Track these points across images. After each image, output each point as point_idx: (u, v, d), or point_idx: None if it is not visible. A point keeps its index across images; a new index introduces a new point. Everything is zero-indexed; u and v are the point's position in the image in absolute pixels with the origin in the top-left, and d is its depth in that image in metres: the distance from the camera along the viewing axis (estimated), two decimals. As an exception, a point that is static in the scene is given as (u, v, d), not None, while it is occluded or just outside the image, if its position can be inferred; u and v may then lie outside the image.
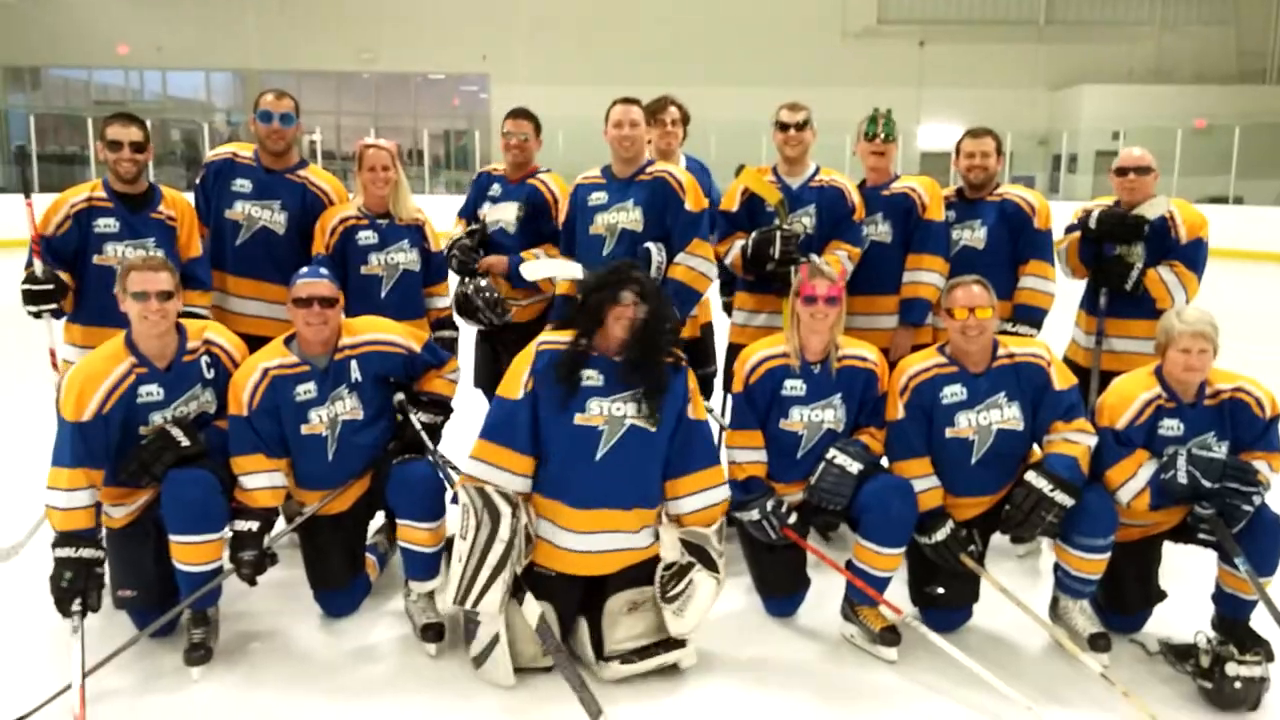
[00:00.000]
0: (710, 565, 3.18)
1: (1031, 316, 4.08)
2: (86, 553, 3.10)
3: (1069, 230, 4.22)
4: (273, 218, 3.98)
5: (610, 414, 3.12)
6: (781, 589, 3.58)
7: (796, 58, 23.49)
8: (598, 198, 3.95)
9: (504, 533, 3.02)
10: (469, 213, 4.56)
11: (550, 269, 3.95)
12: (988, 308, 3.29)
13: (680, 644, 3.17)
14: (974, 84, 23.98)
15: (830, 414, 3.44)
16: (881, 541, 3.29)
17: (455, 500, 3.15)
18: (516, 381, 3.16)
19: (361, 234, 3.96)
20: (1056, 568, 3.36)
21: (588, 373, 3.13)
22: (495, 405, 3.23)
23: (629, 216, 3.89)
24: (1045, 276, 4.10)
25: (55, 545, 3.11)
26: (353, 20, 24.41)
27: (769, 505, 3.39)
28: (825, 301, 3.37)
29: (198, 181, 4.10)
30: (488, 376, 4.41)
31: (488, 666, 3.09)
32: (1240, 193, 20.32)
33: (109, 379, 3.18)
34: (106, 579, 3.25)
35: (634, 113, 3.92)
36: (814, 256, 3.89)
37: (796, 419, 3.45)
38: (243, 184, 3.98)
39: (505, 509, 3.04)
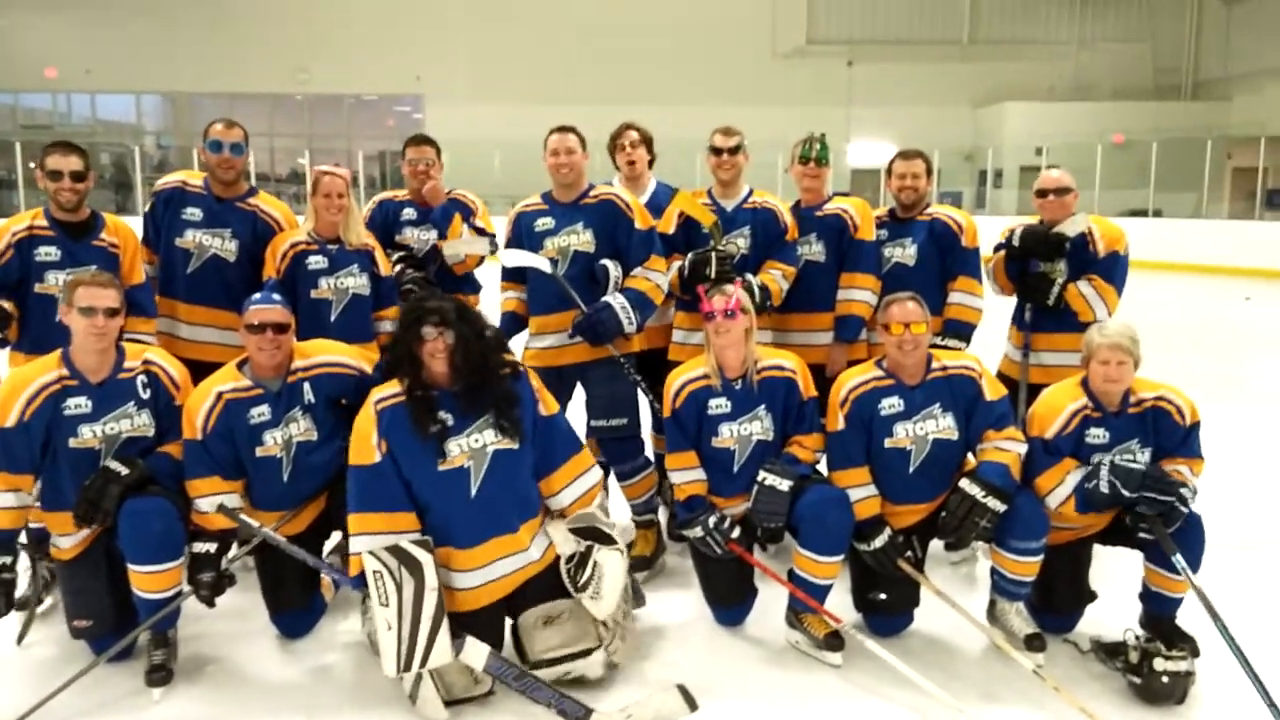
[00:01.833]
0: (607, 540, 3.26)
1: (960, 331, 4.21)
2: None
3: (996, 249, 4.37)
4: (224, 246, 4.01)
5: (471, 448, 3.17)
6: (729, 599, 3.67)
7: (728, 77, 23.82)
8: (544, 223, 4.06)
9: (431, 580, 3.00)
10: (380, 241, 4.44)
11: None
12: (922, 323, 3.43)
13: (587, 653, 3.18)
14: (901, 102, 24.46)
15: (757, 425, 3.55)
16: (819, 550, 3.40)
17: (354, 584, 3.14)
18: (368, 446, 3.15)
19: (311, 259, 3.99)
20: (992, 571, 3.50)
21: (441, 414, 3.16)
22: (354, 475, 3.18)
23: (580, 239, 4.01)
24: (973, 292, 4.24)
25: None
26: (284, 41, 24.23)
27: (710, 522, 3.49)
28: (724, 315, 3.49)
29: (147, 209, 4.11)
30: None
31: (419, 704, 3.06)
32: (1159, 206, 20.97)
33: (31, 386, 3.21)
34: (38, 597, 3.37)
35: (569, 140, 4.05)
36: (749, 276, 4.03)
37: (726, 435, 3.56)
38: (193, 212, 4.00)
39: (424, 555, 3.02)
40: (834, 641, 3.38)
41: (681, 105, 18.92)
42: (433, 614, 2.98)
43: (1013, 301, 4.42)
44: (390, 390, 3.22)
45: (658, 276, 4.04)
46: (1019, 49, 25.51)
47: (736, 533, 3.52)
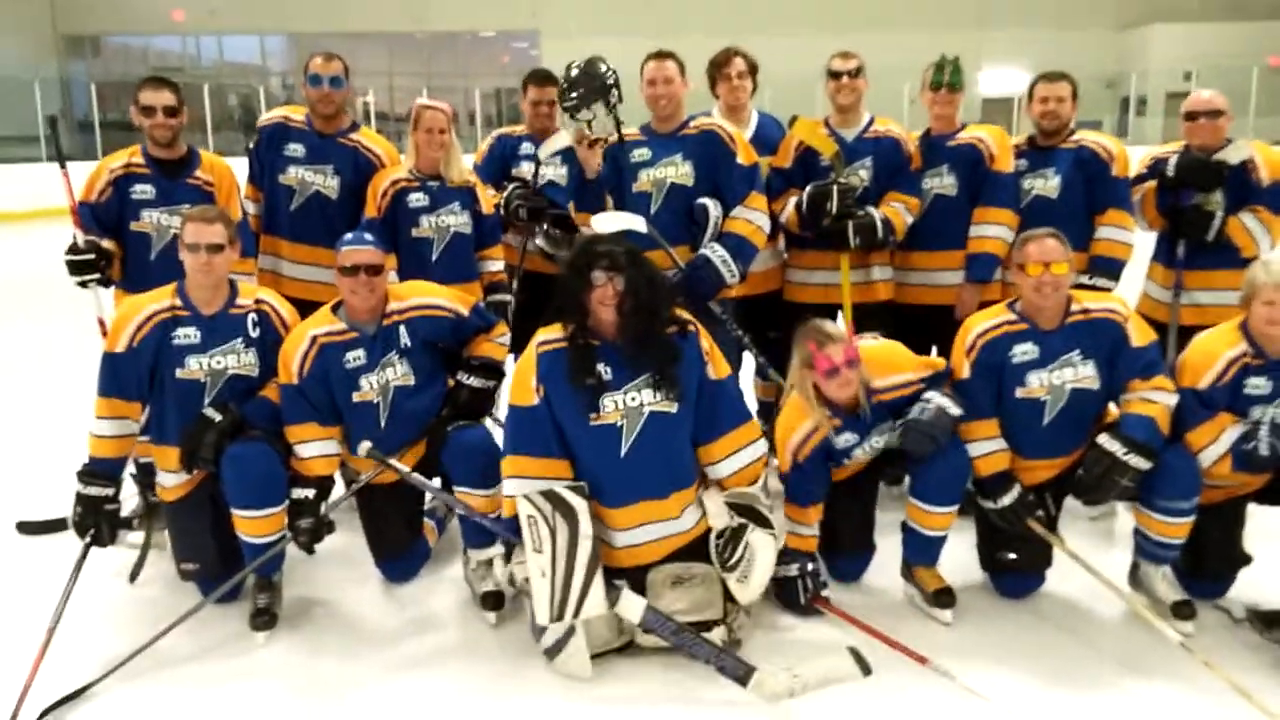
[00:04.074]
0: (763, 522, 3.09)
1: (1109, 268, 3.94)
2: (95, 490, 3.20)
3: (1140, 180, 4.08)
4: (325, 182, 3.98)
5: (626, 407, 3.00)
6: (848, 545, 3.50)
7: (855, 3, 23.17)
8: (641, 154, 3.88)
9: (585, 527, 2.90)
10: (497, 177, 4.44)
11: (620, 221, 3.78)
12: (1063, 262, 3.15)
13: (710, 625, 3.01)
14: (1038, 25, 23.50)
15: (881, 440, 3.31)
16: (933, 500, 3.23)
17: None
18: (527, 388, 3.03)
19: (412, 196, 3.93)
20: (1136, 532, 3.26)
21: (599, 368, 3.00)
22: (512, 416, 3.08)
23: (678, 171, 3.83)
24: (1124, 226, 3.96)
25: (78, 475, 3.22)
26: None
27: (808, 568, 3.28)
28: (847, 366, 3.17)
29: (250, 146, 4.12)
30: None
31: (562, 659, 2.96)
32: (1322, 132, 19.75)
33: (143, 313, 3.25)
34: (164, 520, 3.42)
35: (667, 68, 3.86)
36: (871, 209, 3.88)
37: (860, 456, 3.34)
38: (295, 149, 3.98)
39: (579, 502, 2.92)
40: (944, 598, 3.24)
41: (804, 34, 18.46)
42: (587, 562, 2.89)
43: (1151, 239, 4.13)
44: (554, 334, 3.08)
45: (759, 217, 3.83)
46: (1168, -34, 24.16)
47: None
